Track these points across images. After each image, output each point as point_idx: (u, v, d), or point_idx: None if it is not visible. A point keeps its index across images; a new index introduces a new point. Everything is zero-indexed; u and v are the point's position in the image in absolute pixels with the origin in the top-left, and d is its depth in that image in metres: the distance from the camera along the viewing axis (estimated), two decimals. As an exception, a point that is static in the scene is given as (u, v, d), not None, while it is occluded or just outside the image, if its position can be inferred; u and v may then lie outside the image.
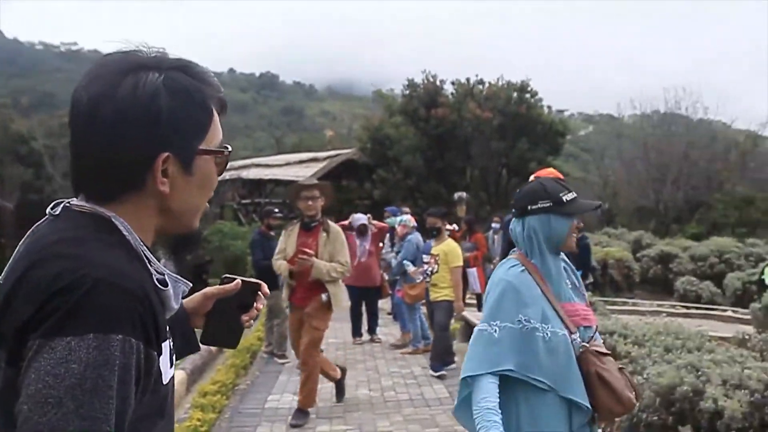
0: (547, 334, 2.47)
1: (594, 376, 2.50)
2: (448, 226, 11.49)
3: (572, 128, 34.39)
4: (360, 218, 10.30)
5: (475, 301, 12.43)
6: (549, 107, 27.22)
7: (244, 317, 1.53)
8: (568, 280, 2.67)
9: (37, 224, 1.22)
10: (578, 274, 2.87)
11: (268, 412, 6.74)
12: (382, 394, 7.35)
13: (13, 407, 1.02)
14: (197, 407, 6.57)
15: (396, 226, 10.18)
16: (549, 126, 24.96)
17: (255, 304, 1.52)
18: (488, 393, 2.46)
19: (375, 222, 10.55)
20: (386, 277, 10.34)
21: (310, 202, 6.18)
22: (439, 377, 7.85)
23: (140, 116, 1.15)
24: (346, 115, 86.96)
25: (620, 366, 2.61)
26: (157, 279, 1.17)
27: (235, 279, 1.50)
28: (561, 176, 3.72)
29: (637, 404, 2.83)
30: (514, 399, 2.53)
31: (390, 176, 24.03)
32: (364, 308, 10.27)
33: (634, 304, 14.37)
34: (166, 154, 1.18)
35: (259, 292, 1.52)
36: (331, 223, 6.40)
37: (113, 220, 1.17)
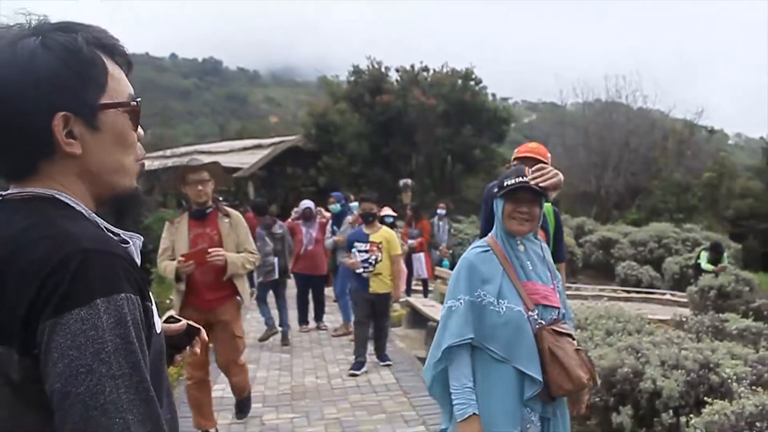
0: (502, 308, 2.67)
1: (547, 352, 2.66)
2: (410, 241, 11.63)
3: (516, 116, 34.79)
4: (305, 203, 10.26)
5: (421, 287, 12.49)
6: (494, 95, 27.54)
7: (177, 357, 1.57)
8: (529, 262, 2.80)
9: None
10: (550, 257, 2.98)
11: (213, 402, 6.62)
12: (329, 381, 7.33)
13: (37, 396, 1.06)
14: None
15: (347, 214, 10.18)
16: (493, 113, 25.20)
17: (191, 348, 1.58)
18: (465, 368, 2.72)
19: (321, 210, 10.49)
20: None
21: (200, 187, 5.11)
22: (386, 365, 7.78)
23: (21, 80, 1.14)
24: (290, 102, 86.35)
25: (578, 348, 2.73)
26: (117, 240, 1.21)
27: (180, 320, 1.55)
28: (540, 152, 4.04)
29: (591, 387, 2.96)
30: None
31: (335, 163, 23.96)
32: (310, 296, 10.21)
33: (577, 289, 14.64)
34: (62, 113, 1.16)
35: (197, 337, 1.57)
36: (229, 208, 5.46)
37: (56, 196, 1.18)
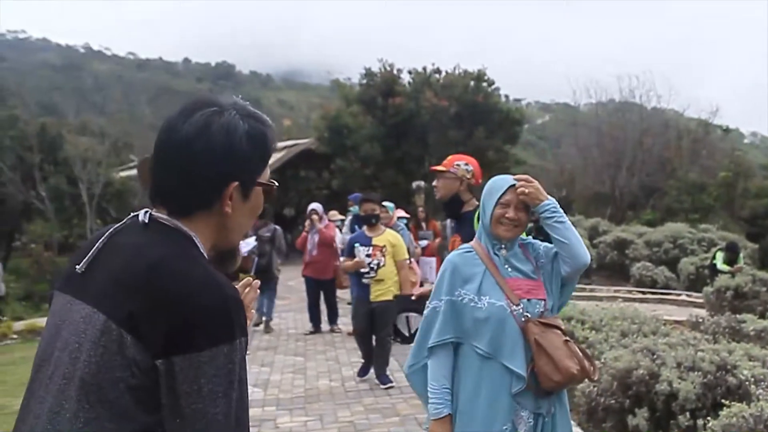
0: (483, 305, 2.72)
1: (533, 344, 2.69)
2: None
3: (529, 117, 34.68)
4: (312, 205, 10.47)
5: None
6: (506, 96, 27.41)
7: None
8: (513, 259, 2.84)
9: (118, 226, 1.49)
10: (545, 251, 2.95)
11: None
12: (342, 384, 7.32)
13: (117, 370, 1.31)
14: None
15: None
16: (506, 114, 25.10)
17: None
18: (444, 369, 2.78)
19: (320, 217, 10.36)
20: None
21: None
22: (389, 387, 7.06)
23: (225, 153, 1.44)
24: (303, 105, 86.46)
25: (567, 339, 2.74)
26: None
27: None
28: (445, 164, 4.61)
29: (588, 380, 2.96)
30: (456, 366, 2.81)
31: (348, 165, 23.93)
32: (322, 300, 10.27)
33: (591, 290, 14.56)
34: (236, 183, 1.47)
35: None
36: None
37: (194, 238, 1.45)
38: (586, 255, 2.83)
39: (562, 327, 2.78)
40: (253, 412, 6.32)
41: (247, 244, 8.93)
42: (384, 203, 10.08)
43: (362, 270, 7.04)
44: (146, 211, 1.49)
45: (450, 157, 4.70)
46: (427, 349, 2.80)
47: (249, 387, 5.45)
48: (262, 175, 1.55)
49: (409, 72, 25.94)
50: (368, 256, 7.04)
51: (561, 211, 2.84)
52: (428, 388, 2.80)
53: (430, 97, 24.03)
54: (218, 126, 1.46)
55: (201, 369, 1.30)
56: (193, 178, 1.45)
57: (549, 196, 2.85)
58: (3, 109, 29.58)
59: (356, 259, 7.07)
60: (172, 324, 1.30)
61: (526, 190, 2.80)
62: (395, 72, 25.61)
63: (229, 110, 1.49)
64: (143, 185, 5.48)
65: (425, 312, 2.88)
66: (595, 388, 5.46)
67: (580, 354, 2.75)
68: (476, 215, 3.23)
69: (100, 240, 1.47)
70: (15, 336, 12.35)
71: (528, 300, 2.75)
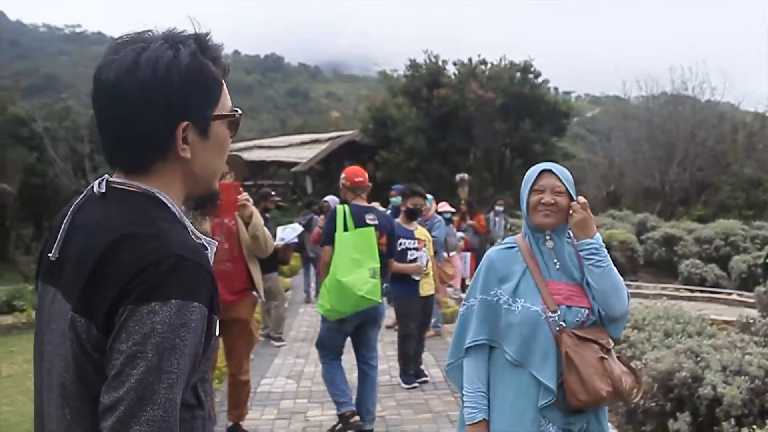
0: (518, 308, 2.53)
1: (564, 357, 2.49)
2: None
3: (579, 109, 34.09)
4: (328, 198, 10.38)
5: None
6: (556, 89, 26.95)
7: None
8: (558, 260, 2.63)
9: (79, 201, 1.38)
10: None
11: (260, 396, 6.60)
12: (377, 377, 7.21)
13: (86, 365, 1.23)
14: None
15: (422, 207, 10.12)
16: (553, 106, 24.69)
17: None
18: (479, 370, 2.63)
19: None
20: None
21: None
22: (410, 387, 6.82)
23: (160, 91, 1.29)
24: (351, 97, 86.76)
25: (603, 357, 2.51)
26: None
27: None
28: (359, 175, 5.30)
29: (624, 402, 2.68)
30: (490, 368, 2.64)
31: (392, 157, 23.83)
32: None
33: (637, 287, 14.21)
34: (186, 123, 1.32)
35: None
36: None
37: (157, 195, 1.33)
38: (620, 308, 2.57)
39: (604, 341, 2.54)
40: (284, 404, 6.28)
41: (294, 230, 8.63)
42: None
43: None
44: (101, 180, 1.37)
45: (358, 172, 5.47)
46: (463, 349, 2.66)
47: (282, 378, 5.26)
48: (218, 106, 1.39)
49: (454, 63, 25.72)
50: (415, 249, 6.76)
51: (604, 252, 2.58)
52: (463, 391, 2.66)
53: (476, 88, 23.78)
54: (145, 61, 1.29)
55: (125, 324, 1.18)
56: (133, 126, 1.31)
57: (596, 235, 2.59)
58: (58, 102, 30.25)
59: (416, 265, 6.67)
60: (117, 293, 1.20)
61: (575, 214, 2.56)
62: (440, 63, 25.40)
63: (156, 41, 1.32)
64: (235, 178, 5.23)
65: (461, 309, 2.73)
66: (623, 401, 5.25)
67: (618, 373, 2.50)
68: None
69: (65, 221, 1.36)
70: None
71: (567, 307, 2.54)
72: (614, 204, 26.72)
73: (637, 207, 25.11)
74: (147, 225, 1.27)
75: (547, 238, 2.62)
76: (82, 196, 1.39)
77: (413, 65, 25.57)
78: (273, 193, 9.71)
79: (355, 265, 5.10)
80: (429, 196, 9.91)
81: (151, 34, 1.35)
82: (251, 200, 4.94)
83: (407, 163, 23.78)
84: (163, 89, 1.29)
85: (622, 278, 2.63)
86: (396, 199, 10.16)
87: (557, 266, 2.61)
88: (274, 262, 8.09)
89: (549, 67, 27.32)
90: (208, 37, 1.39)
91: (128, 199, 1.33)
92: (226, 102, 1.42)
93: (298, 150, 27.53)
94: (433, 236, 9.11)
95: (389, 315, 10.18)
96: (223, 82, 1.41)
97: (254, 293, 5.09)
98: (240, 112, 1.44)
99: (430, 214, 9.55)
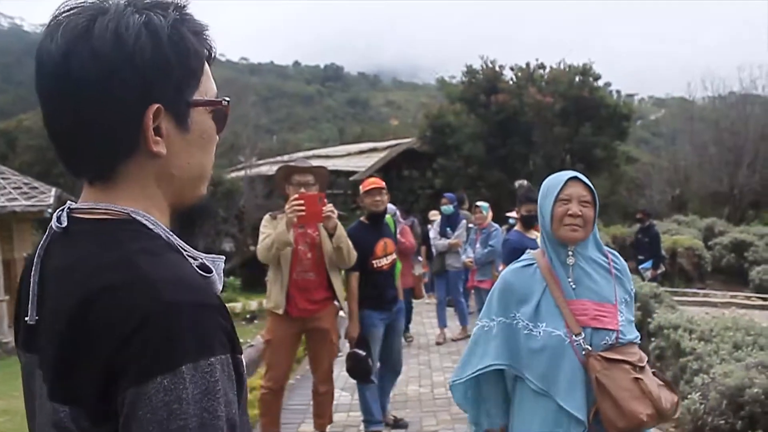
0: (539, 332, 2.34)
1: (595, 383, 2.28)
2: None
3: (643, 112, 33.27)
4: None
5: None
6: (618, 91, 26.36)
7: None
8: (584, 276, 2.42)
9: (43, 242, 1.07)
10: (624, 269, 2.54)
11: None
12: (432, 390, 7.10)
13: None
14: (242, 403, 6.44)
15: (460, 216, 10.01)
16: (613, 109, 24.12)
17: None
18: (488, 403, 2.50)
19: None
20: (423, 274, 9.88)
21: (302, 189, 4.90)
22: None
23: (123, 63, 0.97)
24: (411, 105, 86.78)
25: (637, 377, 2.29)
26: (197, 266, 1.03)
27: None
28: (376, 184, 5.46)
29: (663, 421, 2.46)
30: (512, 397, 2.49)
31: (451, 165, 23.64)
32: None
33: (705, 295, 13.71)
34: (157, 106, 1.01)
35: None
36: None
37: (133, 215, 1.03)
38: None
39: (635, 358, 2.34)
40: (338, 417, 6.20)
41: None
42: (478, 203, 9.81)
43: None
44: (60, 211, 1.07)
45: (371, 180, 5.63)
46: (471, 370, 2.50)
47: (336, 391, 5.21)
48: (199, 90, 1.08)
49: (512, 68, 25.38)
50: None
51: None
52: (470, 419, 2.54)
53: (534, 93, 23.40)
54: (101, 27, 0.98)
55: (133, 415, 0.90)
56: (88, 113, 0.99)
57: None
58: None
59: None
60: (104, 372, 0.92)
61: None
62: (497, 68, 25.12)
63: (117, 4, 1.02)
64: (278, 191, 5.37)
65: (474, 329, 2.56)
66: (702, 406, 5.00)
67: (656, 392, 2.30)
68: None
69: (32, 273, 1.05)
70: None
71: (594, 329, 2.33)
72: (680, 209, 25.96)
73: (704, 211, 24.33)
74: (122, 268, 0.96)
75: (569, 254, 2.42)
76: (45, 235, 1.08)
77: (470, 71, 25.35)
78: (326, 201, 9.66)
79: None
80: (484, 204, 9.75)
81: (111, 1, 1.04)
82: (335, 212, 4.97)
83: (466, 171, 23.54)
84: (127, 61, 0.98)
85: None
86: (447, 208, 10.00)
87: (583, 283, 2.41)
88: None
89: (610, 70, 26.75)
90: (187, 9, 1.08)
91: (95, 233, 1.02)
92: (210, 87, 1.11)
93: (357, 159, 27.60)
94: (490, 245, 9.00)
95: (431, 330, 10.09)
96: (207, 64, 1.11)
97: (335, 303, 5.19)
98: (228, 100, 1.13)
99: (486, 222, 9.41)
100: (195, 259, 1.05)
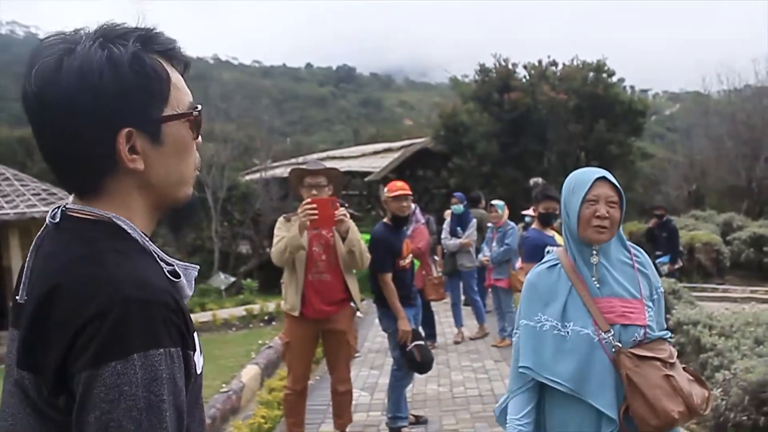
0: (568, 332, 2.32)
1: (625, 381, 2.27)
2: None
3: (657, 107, 33.03)
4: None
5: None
6: (632, 87, 26.16)
7: None
8: (608, 274, 2.39)
9: (39, 235, 1.23)
10: (648, 264, 2.53)
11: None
12: (450, 389, 7.11)
13: (62, 426, 1.07)
14: (263, 404, 6.51)
15: (470, 216, 10.01)
16: (628, 106, 23.98)
17: None
18: (517, 414, 2.41)
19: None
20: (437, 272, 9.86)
21: (314, 191, 4.98)
22: None
23: (88, 100, 1.12)
24: (424, 105, 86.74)
25: (668, 374, 2.28)
26: (168, 272, 1.17)
27: None
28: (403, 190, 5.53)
29: (695, 416, 2.43)
30: (540, 404, 2.44)
31: (465, 164, 23.60)
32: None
33: (724, 291, 13.61)
34: (127, 129, 1.15)
35: None
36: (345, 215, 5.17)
37: (114, 219, 1.17)
38: None
39: (666, 354, 2.32)
40: (357, 416, 6.22)
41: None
42: (494, 202, 9.79)
43: None
44: (56, 209, 1.22)
45: (398, 185, 5.70)
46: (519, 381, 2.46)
47: (356, 391, 5.28)
48: (169, 106, 1.20)
49: (525, 66, 25.30)
50: None
51: None
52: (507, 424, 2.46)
53: (547, 90, 23.31)
54: (68, 65, 1.12)
55: (87, 393, 1.03)
56: (66, 141, 1.14)
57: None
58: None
59: None
60: (63, 353, 1.06)
61: None
62: (510, 66, 25.04)
63: (84, 42, 1.15)
64: (294, 192, 5.44)
65: (513, 338, 2.53)
66: (724, 402, 4.97)
67: (687, 389, 2.28)
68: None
69: (27, 260, 1.22)
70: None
71: (623, 326, 2.32)
72: (697, 204, 25.76)
73: (722, 206, 24.12)
74: (90, 263, 1.10)
75: (594, 253, 2.40)
76: (43, 228, 1.24)
77: (483, 70, 25.28)
78: (346, 204, 9.66)
79: None
80: (500, 202, 9.73)
81: (76, 32, 1.18)
82: (348, 215, 5.02)
83: (480, 169, 23.49)
84: (93, 97, 1.12)
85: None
86: (457, 207, 9.98)
87: (608, 281, 2.39)
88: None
89: (623, 65, 26.54)
90: (153, 31, 1.20)
91: (78, 230, 1.17)
92: (181, 99, 1.23)
93: (371, 159, 27.60)
94: (506, 244, 9.00)
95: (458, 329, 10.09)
96: (174, 74, 1.23)
97: (352, 304, 5.22)
98: (200, 108, 1.26)
99: (502, 221, 9.39)
100: (170, 265, 1.19)
